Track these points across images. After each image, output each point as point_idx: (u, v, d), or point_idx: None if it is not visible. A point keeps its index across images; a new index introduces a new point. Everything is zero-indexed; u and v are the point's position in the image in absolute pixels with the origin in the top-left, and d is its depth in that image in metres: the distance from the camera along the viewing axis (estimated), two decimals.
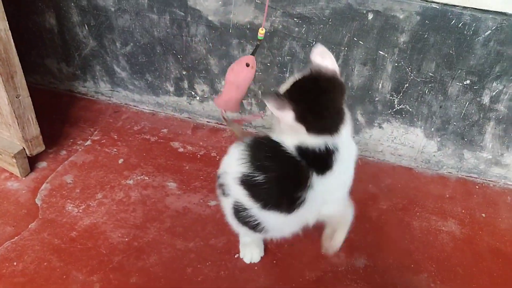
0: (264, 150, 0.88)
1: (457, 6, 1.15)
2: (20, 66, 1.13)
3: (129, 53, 1.50)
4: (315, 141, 0.84)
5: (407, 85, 1.30)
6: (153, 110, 1.62)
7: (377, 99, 1.36)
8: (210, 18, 1.34)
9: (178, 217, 1.20)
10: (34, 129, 1.24)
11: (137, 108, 1.63)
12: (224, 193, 0.93)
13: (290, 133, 0.86)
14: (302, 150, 0.85)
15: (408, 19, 1.20)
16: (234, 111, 1.07)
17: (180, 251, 1.12)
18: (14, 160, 1.24)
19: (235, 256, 1.11)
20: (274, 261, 1.11)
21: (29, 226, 1.15)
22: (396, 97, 1.34)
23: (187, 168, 1.37)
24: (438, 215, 1.28)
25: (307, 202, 0.85)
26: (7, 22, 1.06)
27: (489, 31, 1.16)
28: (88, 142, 1.44)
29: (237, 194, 0.88)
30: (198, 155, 1.43)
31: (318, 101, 0.84)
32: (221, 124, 1.56)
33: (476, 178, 1.43)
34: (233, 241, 1.14)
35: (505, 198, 1.37)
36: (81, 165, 1.35)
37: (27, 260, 1.06)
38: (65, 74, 1.63)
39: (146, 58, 1.49)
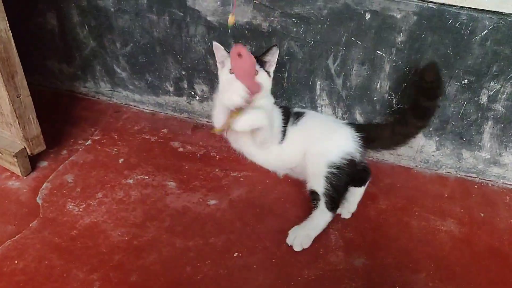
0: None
1: (454, 6, 1.15)
2: (21, 66, 1.14)
3: (129, 54, 1.51)
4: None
5: (405, 84, 1.31)
6: (153, 110, 1.63)
7: (375, 98, 1.36)
8: (209, 18, 1.35)
9: (178, 216, 1.21)
10: (35, 128, 1.25)
11: (137, 108, 1.64)
12: None
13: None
14: None
15: (405, 19, 1.20)
16: (260, 91, 1.12)
17: (179, 249, 1.12)
18: (15, 159, 1.25)
19: (234, 255, 1.12)
20: (273, 260, 1.11)
21: (30, 225, 1.15)
22: (395, 97, 1.34)
23: (186, 167, 1.38)
24: (436, 214, 1.28)
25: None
26: (7, 22, 1.07)
27: (486, 31, 1.16)
28: (89, 142, 1.45)
29: None
30: (198, 155, 1.43)
31: None
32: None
33: (475, 177, 1.44)
34: (233, 240, 1.15)
35: (503, 198, 1.37)
36: (81, 165, 1.36)
37: (28, 259, 1.07)
38: (66, 74, 1.64)
39: (146, 58, 1.50)
